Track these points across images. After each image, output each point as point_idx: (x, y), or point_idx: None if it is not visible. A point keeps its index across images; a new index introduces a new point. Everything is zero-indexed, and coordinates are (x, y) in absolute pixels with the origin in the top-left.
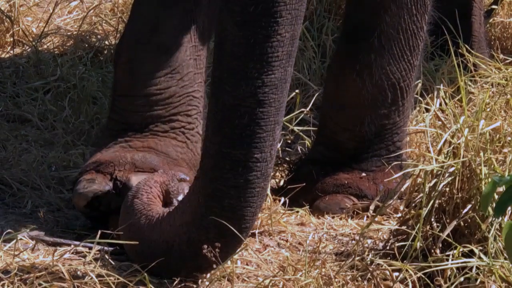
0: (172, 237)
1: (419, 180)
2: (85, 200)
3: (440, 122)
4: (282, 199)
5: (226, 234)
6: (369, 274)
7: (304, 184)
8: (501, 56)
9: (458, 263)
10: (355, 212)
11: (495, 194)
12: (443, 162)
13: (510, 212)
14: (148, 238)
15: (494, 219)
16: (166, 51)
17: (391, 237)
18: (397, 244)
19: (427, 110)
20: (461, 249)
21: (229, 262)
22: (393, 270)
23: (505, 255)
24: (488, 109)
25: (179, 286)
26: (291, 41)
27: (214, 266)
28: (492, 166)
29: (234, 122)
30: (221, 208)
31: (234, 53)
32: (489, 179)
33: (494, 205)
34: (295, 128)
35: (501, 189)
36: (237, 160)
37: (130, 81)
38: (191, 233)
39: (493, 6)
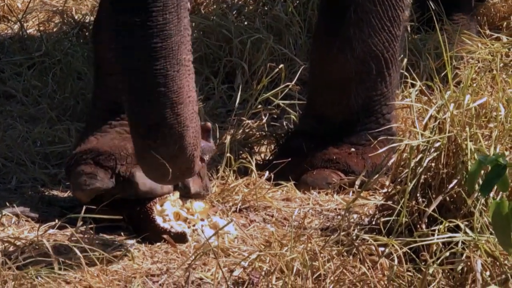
0: None
1: (404, 155)
2: (88, 197)
3: (426, 97)
4: (266, 174)
5: None
6: (354, 249)
7: (291, 158)
8: (488, 32)
9: (443, 238)
10: (341, 188)
11: (481, 172)
12: (429, 137)
13: (496, 190)
14: None
15: (479, 194)
16: None
17: (377, 212)
18: (382, 219)
19: (413, 85)
20: (446, 224)
21: (213, 237)
22: (379, 245)
23: (490, 230)
24: (475, 84)
25: (164, 259)
26: None
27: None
28: (478, 141)
29: None
30: None
31: None
32: (475, 155)
33: (480, 183)
34: (281, 102)
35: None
36: None
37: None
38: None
39: None
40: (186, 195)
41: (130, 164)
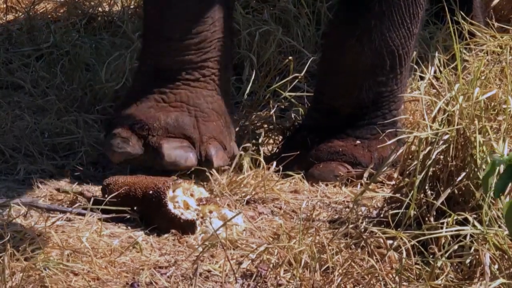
0: None
1: (413, 147)
2: (119, 159)
3: (434, 90)
4: (274, 166)
5: None
6: (362, 241)
7: (298, 151)
8: (496, 24)
9: (452, 231)
10: (349, 180)
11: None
12: (438, 129)
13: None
14: None
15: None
16: None
17: (385, 205)
18: (391, 212)
19: (422, 78)
20: (455, 217)
21: (221, 229)
22: (387, 238)
23: (499, 223)
24: (483, 77)
25: (172, 251)
26: None
27: None
28: (487, 134)
29: None
30: None
31: None
32: (483, 147)
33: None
34: (288, 95)
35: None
36: None
37: (162, 25)
38: None
39: None
40: (208, 168)
41: (160, 136)
